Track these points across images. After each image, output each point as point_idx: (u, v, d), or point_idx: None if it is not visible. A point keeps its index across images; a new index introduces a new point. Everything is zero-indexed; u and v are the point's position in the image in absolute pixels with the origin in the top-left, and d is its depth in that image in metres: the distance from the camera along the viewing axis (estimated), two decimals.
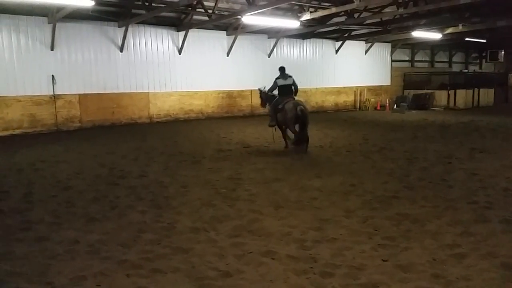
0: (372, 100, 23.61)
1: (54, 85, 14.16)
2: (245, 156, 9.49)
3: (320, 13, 14.94)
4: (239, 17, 14.01)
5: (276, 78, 10.33)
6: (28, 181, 7.30)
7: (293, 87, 10.29)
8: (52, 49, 14.04)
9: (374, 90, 24.58)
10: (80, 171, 8.07)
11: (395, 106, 21.87)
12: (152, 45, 16.48)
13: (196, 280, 3.59)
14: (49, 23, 13.73)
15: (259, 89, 11.16)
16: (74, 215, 5.39)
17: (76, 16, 13.78)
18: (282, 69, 10.43)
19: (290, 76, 10.28)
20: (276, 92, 10.43)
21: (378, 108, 23.17)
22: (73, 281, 3.59)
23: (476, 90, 24.05)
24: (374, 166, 8.24)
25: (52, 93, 14.19)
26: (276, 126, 10.43)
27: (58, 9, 12.71)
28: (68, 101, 14.62)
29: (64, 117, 14.60)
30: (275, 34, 19.28)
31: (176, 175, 7.68)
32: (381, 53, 24.70)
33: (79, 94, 14.84)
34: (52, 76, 14.11)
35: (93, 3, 10.70)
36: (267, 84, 10.87)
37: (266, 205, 5.74)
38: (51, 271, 3.80)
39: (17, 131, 13.62)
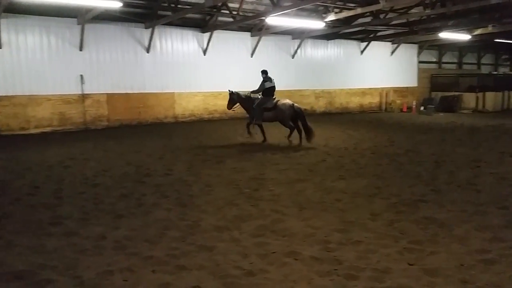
0: (398, 101, 23.23)
1: (83, 84, 14.53)
2: (268, 157, 9.49)
3: (345, 14, 14.83)
4: (263, 18, 14.06)
5: (264, 81, 11.10)
6: (57, 177, 7.51)
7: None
8: (81, 49, 14.42)
9: (400, 91, 24.18)
10: (107, 168, 8.26)
11: (422, 108, 21.46)
12: (178, 46, 16.70)
13: (220, 278, 3.63)
14: (78, 24, 14.11)
15: (230, 91, 11.77)
16: (101, 212, 5.53)
17: (104, 17, 14.11)
18: (266, 72, 11.24)
19: (273, 79, 11.27)
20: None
21: (405, 110, 22.78)
22: (101, 276, 3.68)
23: (506, 92, 23.34)
24: (400, 169, 8.11)
25: (81, 93, 14.56)
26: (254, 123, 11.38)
27: (87, 10, 13.05)
28: (96, 100, 14.99)
29: (92, 116, 14.96)
30: (299, 35, 19.23)
31: (200, 174, 7.76)
32: (407, 54, 24.30)
33: (107, 94, 15.19)
34: (81, 75, 14.48)
35: (120, 4, 10.94)
36: (252, 87, 11.72)
37: (289, 205, 5.74)
38: (80, 265, 3.90)
39: (47, 129, 14.04)
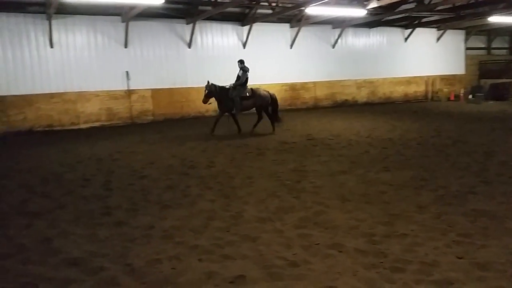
0: (445, 90, 22.33)
1: (128, 80, 15.02)
2: (309, 149, 9.45)
3: (388, 0, 14.36)
4: (303, 8, 13.90)
5: (245, 71, 11.54)
6: (107, 170, 7.85)
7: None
8: (126, 46, 14.90)
9: (447, 79, 23.20)
10: (153, 161, 8.53)
11: (470, 97, 20.51)
12: (218, 40, 16.87)
13: (264, 268, 3.68)
14: (122, 22, 14.57)
15: (211, 83, 11.61)
16: (149, 202, 5.73)
17: (147, 14, 14.48)
18: (243, 62, 11.69)
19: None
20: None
21: (452, 98, 21.88)
22: (150, 264, 3.84)
23: None
24: (448, 160, 7.83)
25: (127, 88, 15.08)
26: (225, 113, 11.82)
27: (131, 8, 13.44)
28: (141, 96, 15.46)
29: (138, 111, 15.46)
30: (339, 24, 18.86)
31: (242, 166, 7.85)
32: (454, 40, 23.21)
33: (151, 89, 15.62)
34: (127, 72, 14.98)
35: (162, 0, 11.18)
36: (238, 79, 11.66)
37: (331, 197, 5.70)
38: (130, 253, 4.08)
39: (96, 124, 14.67)
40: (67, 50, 14.06)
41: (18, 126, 13.34)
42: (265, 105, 11.75)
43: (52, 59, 13.82)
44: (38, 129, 13.67)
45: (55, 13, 13.05)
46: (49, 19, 13.13)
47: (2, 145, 11.14)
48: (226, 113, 11.82)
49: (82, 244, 4.34)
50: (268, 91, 11.80)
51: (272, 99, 11.73)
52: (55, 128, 13.91)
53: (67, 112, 14.22)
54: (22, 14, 13.17)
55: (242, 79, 11.55)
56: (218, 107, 11.78)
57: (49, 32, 13.41)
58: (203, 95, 11.61)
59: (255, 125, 11.92)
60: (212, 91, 11.52)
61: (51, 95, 13.87)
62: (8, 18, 13.01)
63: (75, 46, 14.18)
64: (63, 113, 14.15)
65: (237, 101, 11.42)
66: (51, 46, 13.69)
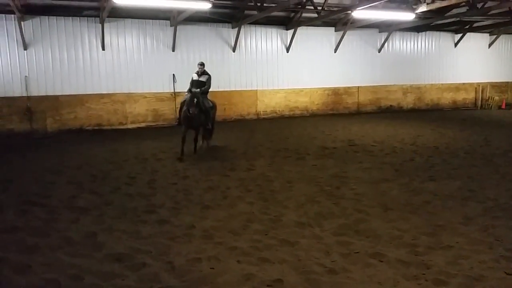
0: (496, 98, 21.25)
1: (175, 83, 15.43)
2: (351, 155, 9.30)
3: (438, 4, 13.88)
4: (349, 12, 13.72)
5: (210, 77, 9.83)
6: (151, 169, 8.11)
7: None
8: (173, 50, 15.32)
9: (499, 87, 22.08)
10: (195, 162, 8.71)
11: None
12: (262, 44, 16.98)
13: (303, 274, 3.67)
14: (171, 26, 15.00)
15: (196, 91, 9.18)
16: (191, 202, 5.87)
17: (195, 19, 14.82)
18: (204, 65, 9.91)
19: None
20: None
21: (503, 107, 20.79)
22: (190, 263, 3.93)
23: None
24: (497, 171, 7.46)
25: (173, 91, 15.49)
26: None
27: (179, 12, 13.81)
28: None
29: None
30: (386, 28, 18.44)
31: (281, 170, 7.86)
32: (508, 46, 22.06)
33: None
34: (173, 75, 15.39)
35: (210, 5, 11.40)
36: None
37: (373, 205, 5.59)
38: (171, 251, 4.20)
39: (142, 124, 15.17)
40: (117, 52, 14.64)
41: (70, 125, 14.04)
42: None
43: (103, 61, 14.44)
44: (88, 128, 14.32)
45: (108, 17, 13.63)
46: (102, 22, 13.75)
47: (54, 143, 11.76)
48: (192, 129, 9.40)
49: (126, 240, 4.51)
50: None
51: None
52: (103, 128, 14.51)
53: (116, 112, 14.80)
54: (78, 17, 13.88)
55: (208, 86, 9.68)
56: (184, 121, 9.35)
57: (101, 35, 14.03)
58: (191, 103, 8.92)
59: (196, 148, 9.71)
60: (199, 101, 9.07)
61: (101, 96, 14.49)
62: (65, 22, 13.74)
63: (125, 49, 14.74)
64: (112, 113, 14.74)
65: (210, 113, 9.61)
66: (103, 49, 14.31)
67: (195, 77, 9.79)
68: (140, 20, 14.66)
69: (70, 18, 13.74)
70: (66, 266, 3.87)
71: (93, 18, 14.00)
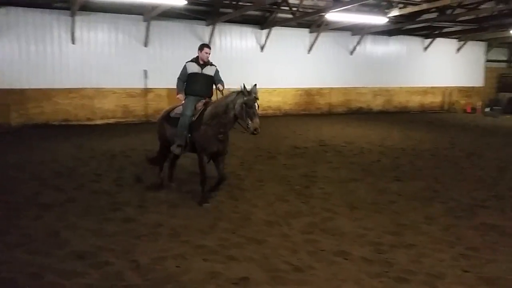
0: (462, 102, 22.00)
1: (146, 79, 15.18)
2: (321, 155, 9.41)
3: (409, 9, 14.24)
4: (323, 14, 13.87)
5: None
6: (119, 166, 7.95)
7: None
8: (145, 45, 15.07)
9: (465, 91, 22.87)
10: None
11: (487, 110, 20.16)
12: (237, 42, 16.94)
13: (269, 271, 3.68)
14: (144, 21, 14.75)
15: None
16: (158, 200, 5.78)
17: (169, 14, 14.62)
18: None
19: None
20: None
21: (469, 111, 21.53)
22: (155, 261, 3.87)
23: None
24: (461, 173, 7.72)
25: (144, 87, 15.24)
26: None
27: (153, 7, 13.60)
28: (158, 95, 15.60)
29: (153, 109, 15.57)
30: (359, 31, 18.76)
31: (252, 169, 7.86)
32: (474, 52, 22.86)
33: (168, 89, 15.72)
34: (145, 71, 15.14)
35: (185, 2, 11.27)
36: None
37: (340, 204, 5.67)
38: (136, 250, 4.13)
39: (111, 120, 14.85)
40: (88, 46, 14.28)
41: (35, 119, 13.59)
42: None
43: (73, 55, 14.05)
44: (54, 123, 13.90)
45: (79, 10, 13.28)
46: (72, 15, 13.37)
47: (19, 137, 11.36)
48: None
49: (89, 238, 4.40)
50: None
51: None
52: (71, 123, 14.12)
53: (84, 107, 14.44)
54: (48, 10, 13.44)
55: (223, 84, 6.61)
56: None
57: (71, 29, 13.65)
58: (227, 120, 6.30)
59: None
60: None
61: (69, 90, 14.09)
62: (34, 13, 13.29)
63: (96, 43, 14.39)
64: (79, 108, 14.37)
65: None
66: (73, 42, 13.93)
67: (195, 68, 6.44)
68: (112, 14, 14.34)
69: (39, 10, 13.30)
70: (24, 264, 3.75)
71: (64, 10, 13.59)
